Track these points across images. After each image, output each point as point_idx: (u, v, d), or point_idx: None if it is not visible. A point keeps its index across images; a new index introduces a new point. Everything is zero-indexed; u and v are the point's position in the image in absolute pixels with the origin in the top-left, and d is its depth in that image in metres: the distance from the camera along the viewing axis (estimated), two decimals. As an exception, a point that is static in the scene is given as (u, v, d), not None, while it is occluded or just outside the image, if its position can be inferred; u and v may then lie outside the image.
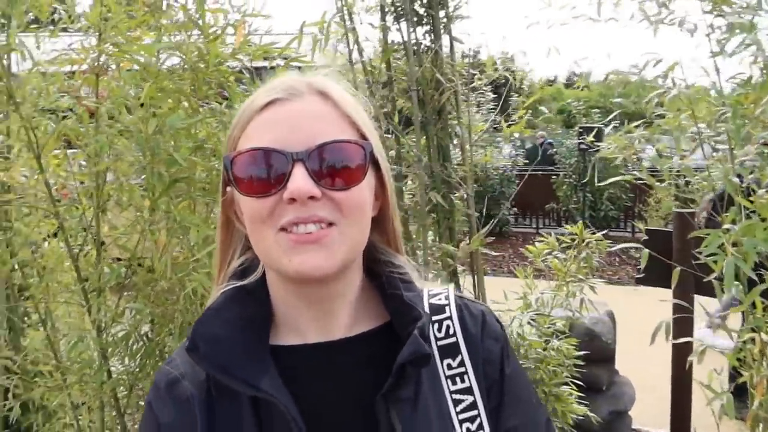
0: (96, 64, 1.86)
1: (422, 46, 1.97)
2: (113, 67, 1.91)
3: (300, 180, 0.64)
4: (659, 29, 1.61)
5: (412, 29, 1.93)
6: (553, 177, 10.46)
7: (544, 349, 2.06)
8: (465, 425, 0.69)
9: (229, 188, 0.72)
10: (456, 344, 0.73)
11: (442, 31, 1.97)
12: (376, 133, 0.73)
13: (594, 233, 2.15)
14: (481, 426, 0.70)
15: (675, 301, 1.99)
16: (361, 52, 2.00)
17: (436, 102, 1.94)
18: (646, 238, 2.96)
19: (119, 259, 2.01)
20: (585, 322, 3.07)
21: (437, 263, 2.13)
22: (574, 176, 10.19)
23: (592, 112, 11.14)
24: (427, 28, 1.99)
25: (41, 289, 2.45)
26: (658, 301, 2.15)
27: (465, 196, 2.07)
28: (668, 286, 2.53)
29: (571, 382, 2.09)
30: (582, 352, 2.11)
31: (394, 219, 0.76)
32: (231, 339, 0.68)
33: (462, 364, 0.72)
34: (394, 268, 0.75)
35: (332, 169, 0.66)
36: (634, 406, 3.40)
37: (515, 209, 11.27)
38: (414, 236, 2.06)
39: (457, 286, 2.13)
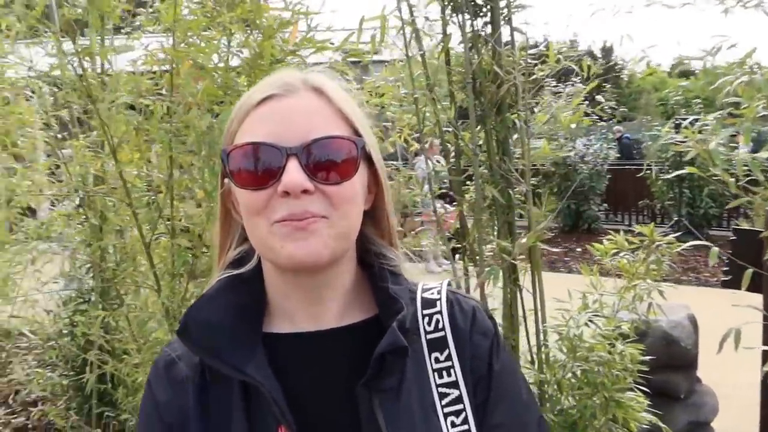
0: (174, 65, 1.98)
1: (481, 38, 1.94)
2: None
3: (294, 173, 0.66)
4: (734, 12, 1.49)
5: (469, 19, 1.90)
6: (647, 171, 9.89)
7: (609, 353, 1.96)
8: (450, 418, 0.70)
9: (226, 180, 0.75)
10: (444, 338, 0.73)
11: (502, 21, 1.92)
12: (370, 129, 0.75)
13: (666, 234, 2.01)
14: (466, 420, 0.70)
15: (749, 306, 1.83)
16: (420, 45, 1.99)
17: (494, 95, 1.90)
18: (733, 238, 2.75)
19: (189, 248, 2.14)
20: (662, 325, 2.90)
21: (499, 259, 2.08)
22: (670, 170, 9.58)
23: (693, 103, 10.40)
24: (487, 19, 1.95)
25: (128, 273, 2.66)
26: (750, 307, 1.99)
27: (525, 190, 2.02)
28: (755, 290, 2.34)
29: (641, 388, 1.99)
30: (648, 357, 1.99)
31: (389, 212, 0.77)
32: (222, 325, 0.71)
33: (449, 358, 0.72)
34: (385, 260, 0.76)
35: (325, 163, 0.68)
36: (717, 418, 3.17)
37: (606, 205, 10.80)
38: (470, 231, 2.04)
39: (515, 283, 2.08)
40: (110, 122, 1.74)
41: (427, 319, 0.74)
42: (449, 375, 0.71)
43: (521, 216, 2.11)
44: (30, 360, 3.94)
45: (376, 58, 2.21)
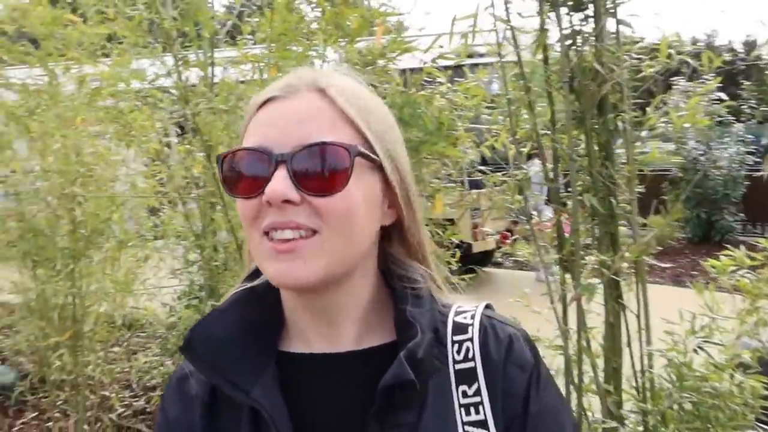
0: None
1: (581, 33, 1.79)
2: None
3: (277, 182, 0.61)
4: None
5: (568, 13, 1.77)
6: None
7: (729, 384, 1.74)
8: None
9: None
10: (474, 370, 0.64)
11: (604, 14, 1.77)
12: (393, 135, 0.67)
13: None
14: None
15: None
16: (515, 43, 1.89)
17: (595, 94, 1.75)
18: None
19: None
20: (800, 355, 2.52)
21: (599, 273, 1.93)
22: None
23: None
24: (589, 11, 1.80)
25: (231, 272, 2.77)
26: None
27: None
28: None
29: (765, 427, 1.74)
30: (776, 392, 1.74)
31: (418, 228, 0.69)
32: (229, 342, 0.67)
33: (478, 392, 0.63)
34: (408, 282, 0.68)
35: (314, 172, 0.61)
36: None
37: (743, 215, 9.81)
38: (566, 241, 1.89)
39: (617, 301, 1.90)
40: (206, 127, 1.82)
41: (456, 346, 0.66)
42: (477, 413, 0.63)
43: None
44: (154, 348, 4.27)
45: (472, 61, 2.13)
